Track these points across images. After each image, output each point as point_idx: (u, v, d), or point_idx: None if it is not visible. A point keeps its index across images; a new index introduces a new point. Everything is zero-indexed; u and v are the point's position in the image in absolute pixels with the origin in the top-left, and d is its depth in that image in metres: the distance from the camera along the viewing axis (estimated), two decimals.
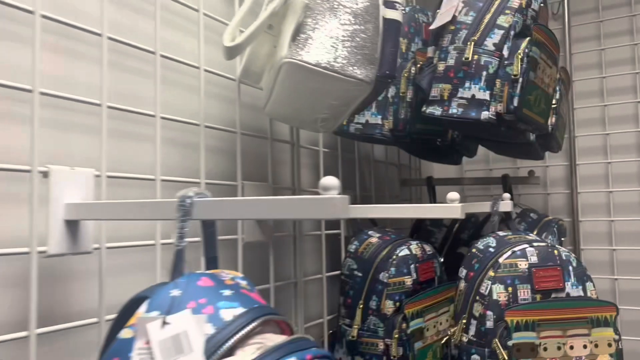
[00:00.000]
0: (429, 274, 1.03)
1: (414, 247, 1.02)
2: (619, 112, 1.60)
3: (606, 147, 1.60)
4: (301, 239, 1.08)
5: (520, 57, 0.91)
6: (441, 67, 0.97)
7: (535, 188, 1.68)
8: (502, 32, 0.93)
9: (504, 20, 0.93)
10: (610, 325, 0.85)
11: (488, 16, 0.94)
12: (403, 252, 1.00)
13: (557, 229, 1.22)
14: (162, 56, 0.78)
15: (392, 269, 0.98)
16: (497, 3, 0.94)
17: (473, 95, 0.93)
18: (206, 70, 0.83)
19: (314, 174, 1.15)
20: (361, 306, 1.00)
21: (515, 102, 0.91)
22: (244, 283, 0.50)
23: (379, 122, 1.04)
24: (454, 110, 0.94)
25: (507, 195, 0.99)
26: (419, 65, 1.01)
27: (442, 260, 1.34)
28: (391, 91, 1.03)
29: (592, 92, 1.64)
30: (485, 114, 0.93)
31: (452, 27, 0.97)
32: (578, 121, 1.65)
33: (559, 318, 0.84)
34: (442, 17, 0.98)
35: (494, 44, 0.93)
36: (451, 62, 0.95)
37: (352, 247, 1.06)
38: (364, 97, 0.76)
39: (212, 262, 0.52)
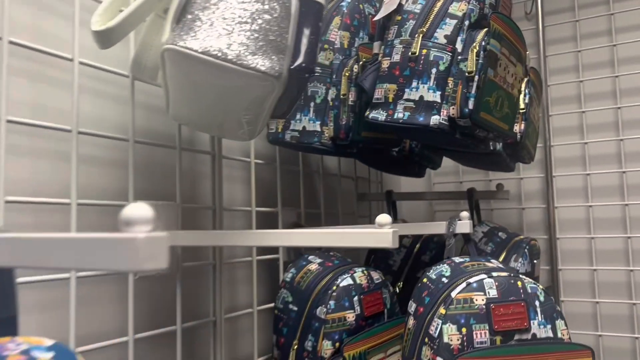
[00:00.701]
0: (376, 306, 0.88)
1: (359, 275, 0.87)
2: (598, 119, 1.46)
3: (585, 157, 1.46)
4: (228, 268, 0.93)
5: (475, 51, 0.76)
6: (385, 64, 0.82)
7: (508, 203, 1.54)
8: (454, 21, 0.79)
9: (457, 8, 0.79)
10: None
11: (439, 4, 0.80)
12: (345, 281, 0.85)
13: (529, 250, 1.08)
14: (14, 44, 0.62)
15: (332, 302, 0.83)
16: None
17: (421, 97, 0.79)
18: (82, 63, 0.67)
19: (248, 189, 0.99)
20: (295, 347, 0.84)
21: (471, 105, 0.76)
22: (45, 358, 0.35)
23: (318, 128, 0.89)
24: (400, 114, 0.80)
25: (465, 214, 0.84)
26: (361, 63, 0.87)
27: (400, 286, 1.19)
28: (331, 93, 0.88)
29: (569, 98, 1.51)
30: (435, 119, 0.78)
31: (398, 18, 0.82)
32: (554, 129, 1.51)
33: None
34: (387, 6, 0.84)
35: (446, 36, 0.79)
36: (396, 57, 0.81)
37: (288, 276, 0.90)
38: (277, 95, 0.61)
39: (5, 326, 0.36)
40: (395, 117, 0.80)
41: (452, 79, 0.78)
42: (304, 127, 0.89)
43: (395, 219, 1.29)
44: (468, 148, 0.89)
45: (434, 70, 0.78)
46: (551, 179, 1.46)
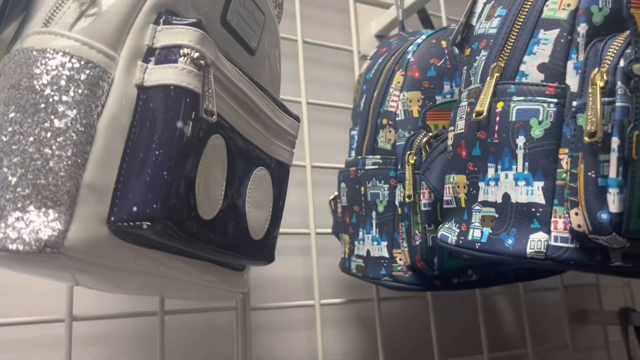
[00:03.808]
0: None
1: None
2: None
3: None
4: None
5: (601, 85, 0.34)
6: (450, 139, 0.45)
7: None
8: (555, 33, 0.38)
9: (557, 5, 0.38)
10: None
11: (527, 6, 0.40)
12: None
13: None
14: None
15: None
16: None
17: (506, 197, 0.39)
18: None
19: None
20: None
21: (614, 205, 0.34)
22: None
23: (385, 253, 0.55)
24: (476, 233, 0.41)
25: None
26: (425, 140, 0.51)
27: None
28: (399, 194, 0.54)
29: None
30: (536, 242, 0.37)
31: (467, 51, 0.45)
32: None
33: None
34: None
35: (541, 67, 0.39)
36: (461, 125, 0.43)
37: None
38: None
39: None
40: (470, 237, 0.42)
41: (566, 151, 0.37)
42: (368, 252, 0.57)
43: None
44: None
45: (520, 141, 0.38)
46: None
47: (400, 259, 0.54)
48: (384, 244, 0.55)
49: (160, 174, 0.32)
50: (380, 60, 0.61)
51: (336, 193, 0.65)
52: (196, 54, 0.34)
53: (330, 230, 0.67)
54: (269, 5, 0.48)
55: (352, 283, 0.73)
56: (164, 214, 0.32)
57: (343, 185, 0.61)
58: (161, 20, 0.35)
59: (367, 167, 0.57)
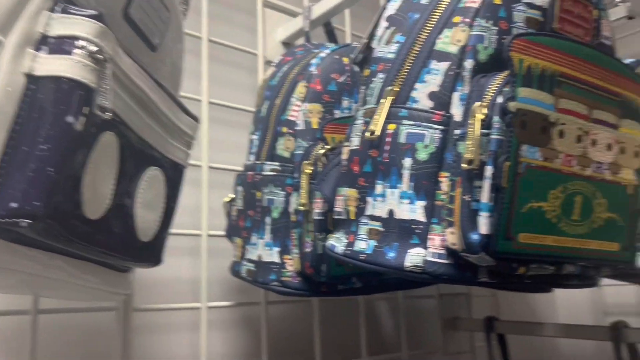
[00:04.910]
0: None
1: None
2: None
3: None
4: None
5: (480, 117, 0.38)
6: (345, 154, 0.47)
7: None
8: (445, 65, 0.41)
9: (449, 40, 0.42)
10: None
11: (423, 37, 0.43)
12: None
13: None
14: None
15: None
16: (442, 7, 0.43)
17: (390, 213, 0.42)
18: None
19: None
20: None
21: (484, 226, 0.37)
22: None
23: (276, 259, 0.56)
24: (361, 244, 0.44)
25: None
26: (323, 152, 0.53)
27: None
28: (294, 202, 0.55)
29: None
30: (414, 257, 0.40)
31: (367, 72, 0.47)
32: None
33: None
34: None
35: (431, 95, 0.42)
36: (355, 142, 0.46)
37: None
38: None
39: None
40: (356, 248, 0.44)
41: (446, 175, 0.40)
42: (259, 257, 0.58)
43: None
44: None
45: (406, 162, 0.41)
46: None
47: (291, 265, 0.56)
48: (276, 249, 0.56)
49: (45, 170, 0.31)
50: (285, 68, 0.62)
51: (232, 195, 0.65)
52: (94, 48, 0.33)
53: (223, 233, 0.66)
54: (174, 1, 0.47)
55: (242, 286, 0.73)
56: (47, 212, 0.31)
57: (240, 188, 0.62)
58: (57, 8, 0.33)
59: (264, 173, 0.58)
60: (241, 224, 0.60)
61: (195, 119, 0.48)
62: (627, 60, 0.69)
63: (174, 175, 0.46)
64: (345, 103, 0.58)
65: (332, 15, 0.72)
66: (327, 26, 0.73)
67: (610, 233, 0.44)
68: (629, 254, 0.46)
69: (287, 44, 0.80)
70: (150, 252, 0.44)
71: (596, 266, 0.46)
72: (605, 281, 1.14)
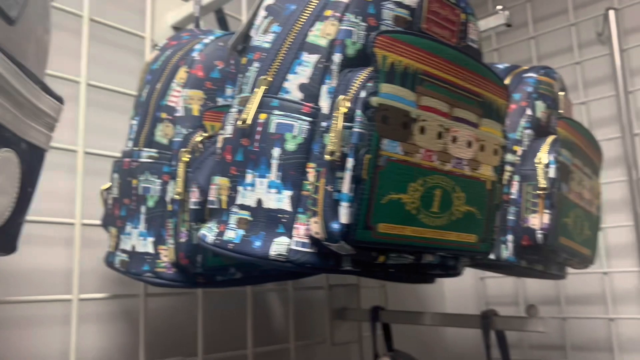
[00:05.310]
0: None
1: None
2: None
3: None
4: None
5: (344, 110, 0.39)
6: (220, 142, 0.47)
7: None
8: (315, 58, 0.42)
9: (319, 33, 0.42)
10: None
11: (296, 29, 0.44)
12: None
13: None
14: None
15: None
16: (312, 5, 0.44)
17: (259, 202, 0.42)
18: None
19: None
20: None
21: (344, 216, 0.38)
22: None
23: (150, 249, 0.54)
24: (230, 233, 0.43)
25: None
26: (199, 140, 0.52)
27: None
28: (171, 190, 0.54)
29: None
30: (279, 246, 0.41)
31: (244, 60, 0.47)
32: None
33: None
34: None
35: (301, 87, 0.42)
36: (229, 131, 0.45)
37: None
38: None
39: None
40: (225, 238, 0.44)
41: (313, 166, 0.41)
42: (133, 247, 0.56)
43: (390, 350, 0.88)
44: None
45: (275, 152, 0.41)
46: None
47: (165, 256, 0.54)
48: (150, 239, 0.55)
49: None
50: (168, 52, 0.60)
51: (110, 183, 0.62)
52: None
53: (99, 222, 0.63)
54: None
55: (122, 278, 0.70)
56: None
57: (116, 175, 0.59)
58: None
59: (141, 160, 0.56)
60: (116, 212, 0.58)
61: (59, 99, 0.46)
62: (501, 66, 0.74)
63: (32, 158, 0.43)
64: (228, 91, 0.57)
65: (225, 2, 0.71)
66: (219, 13, 0.72)
67: (468, 225, 0.47)
68: (486, 246, 0.49)
69: (178, 28, 0.78)
70: (2, 239, 0.41)
71: (455, 256, 0.48)
72: (487, 274, 1.22)
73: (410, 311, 0.86)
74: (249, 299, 0.78)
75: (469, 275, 1.24)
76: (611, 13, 1.02)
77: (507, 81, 0.70)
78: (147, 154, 0.56)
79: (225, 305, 0.80)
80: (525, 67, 0.72)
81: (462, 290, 1.27)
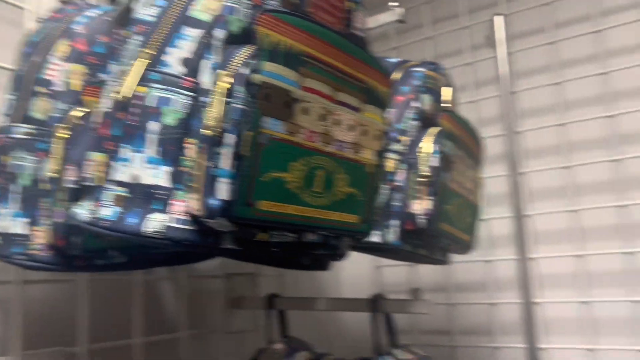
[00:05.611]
0: None
1: None
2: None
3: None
4: None
5: (221, 88, 0.39)
6: (97, 117, 0.45)
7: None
8: (198, 33, 0.42)
9: (202, 8, 0.42)
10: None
11: (180, 3, 0.43)
12: None
13: None
14: None
15: None
16: None
17: (135, 177, 0.41)
18: None
19: None
20: None
21: (223, 192, 0.38)
22: None
23: (25, 230, 0.51)
24: (106, 211, 0.42)
25: None
26: (79, 116, 0.50)
27: None
28: (47, 168, 0.51)
29: (547, 157, 1.11)
30: (156, 222, 0.40)
31: (126, 33, 0.46)
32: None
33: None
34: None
35: (183, 61, 0.42)
36: (107, 104, 0.44)
37: None
38: None
39: None
40: (100, 215, 0.42)
41: (193, 141, 0.41)
42: (5, 228, 0.52)
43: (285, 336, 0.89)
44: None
45: (154, 127, 0.41)
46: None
47: (40, 237, 0.51)
48: (24, 220, 0.51)
49: None
50: (51, 25, 0.56)
51: None
52: None
53: None
54: None
55: None
56: None
57: None
58: None
59: (15, 136, 0.53)
60: None
61: None
62: (393, 60, 0.77)
63: None
64: (114, 67, 0.55)
65: None
66: None
67: (350, 206, 0.49)
68: (366, 226, 0.51)
69: (67, 2, 0.73)
70: None
71: (337, 235, 0.50)
72: (383, 262, 1.26)
73: (304, 297, 0.88)
74: (137, 287, 0.76)
75: (366, 263, 1.28)
76: (497, 18, 1.09)
77: (397, 74, 0.73)
78: (22, 130, 0.52)
79: (112, 293, 0.77)
80: (416, 62, 0.75)
81: (358, 277, 1.31)
